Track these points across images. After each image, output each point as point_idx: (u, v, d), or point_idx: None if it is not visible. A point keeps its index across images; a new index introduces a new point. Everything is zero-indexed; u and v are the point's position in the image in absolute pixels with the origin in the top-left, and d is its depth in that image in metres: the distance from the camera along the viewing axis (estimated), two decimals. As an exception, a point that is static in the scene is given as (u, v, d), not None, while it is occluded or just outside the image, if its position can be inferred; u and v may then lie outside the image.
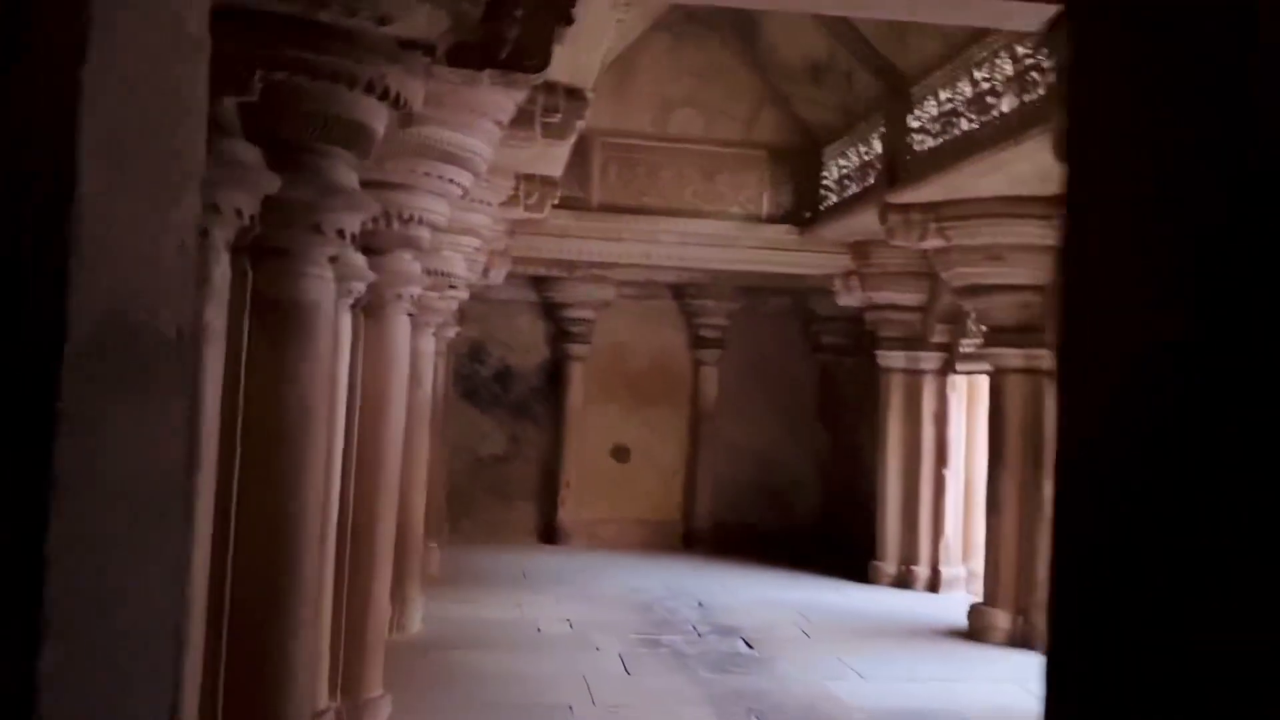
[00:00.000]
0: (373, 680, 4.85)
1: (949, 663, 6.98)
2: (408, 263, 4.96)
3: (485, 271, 8.78)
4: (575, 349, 11.47)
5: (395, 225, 4.79)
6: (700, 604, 8.48)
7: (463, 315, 10.04)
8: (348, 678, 4.77)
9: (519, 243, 9.09)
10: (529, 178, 6.99)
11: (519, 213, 7.38)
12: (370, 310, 4.88)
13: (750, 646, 7.16)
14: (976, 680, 6.58)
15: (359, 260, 4.65)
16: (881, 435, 9.84)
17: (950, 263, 7.61)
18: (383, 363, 4.92)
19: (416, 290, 5.05)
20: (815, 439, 11.86)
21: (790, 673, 6.53)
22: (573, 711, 5.54)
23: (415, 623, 7.14)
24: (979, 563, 9.69)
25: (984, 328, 8.03)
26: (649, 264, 10.03)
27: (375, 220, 4.71)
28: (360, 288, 4.72)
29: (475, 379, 11.56)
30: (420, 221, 4.87)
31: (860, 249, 9.43)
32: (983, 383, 9.56)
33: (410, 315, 6.04)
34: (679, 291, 11.61)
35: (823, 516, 11.63)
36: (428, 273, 6.55)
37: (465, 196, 5.26)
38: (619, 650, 6.85)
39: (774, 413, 11.82)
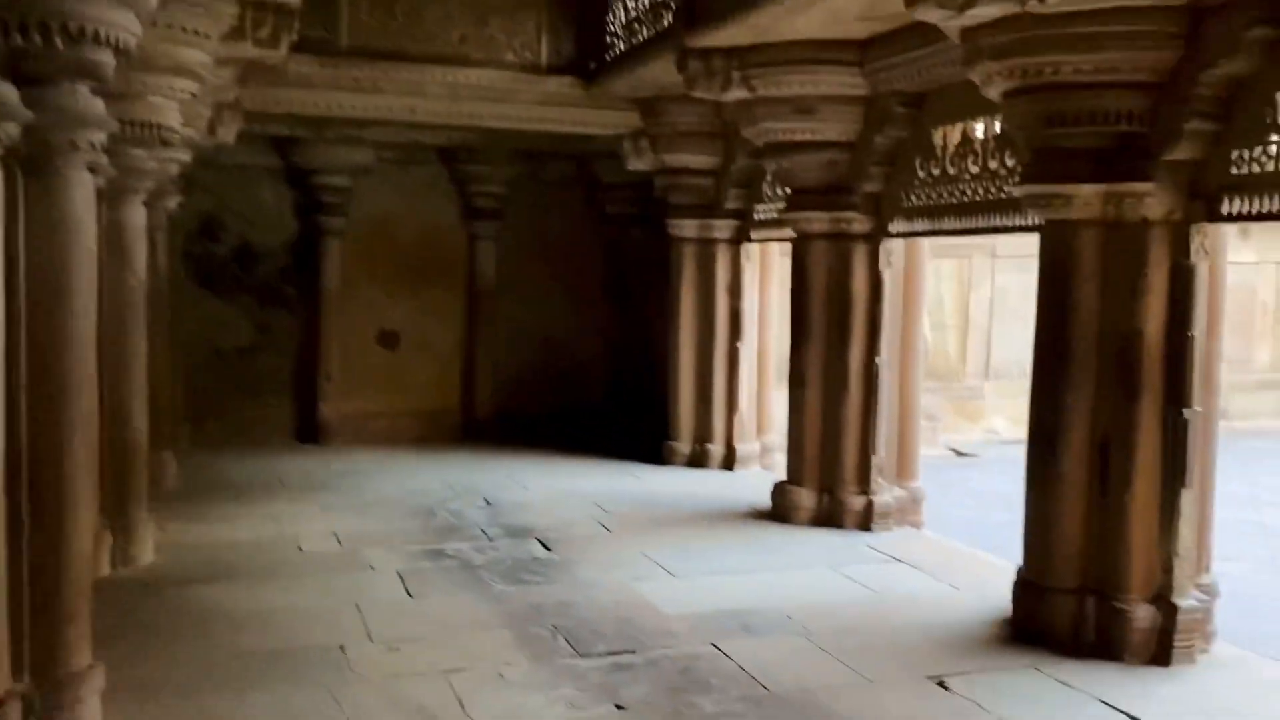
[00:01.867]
0: (75, 648, 3.73)
1: (759, 549, 6.53)
2: (83, 99, 3.65)
3: (211, 128, 7.31)
4: (330, 222, 10.08)
5: (60, 43, 3.47)
6: (488, 503, 7.66)
7: (188, 184, 8.48)
8: (38, 649, 3.64)
9: (253, 94, 7.62)
10: (258, 4, 5.63)
11: (249, 50, 6.00)
12: (33, 164, 3.58)
13: (548, 549, 6.43)
14: (791, 568, 6.14)
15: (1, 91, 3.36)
16: (674, 310, 9.20)
17: (755, 117, 6.88)
18: (57, 235, 3.65)
19: (99, 137, 3.75)
20: (603, 316, 11.10)
21: (594, 577, 5.85)
22: (345, 653, 4.62)
23: (146, 554, 5.94)
24: (773, 437, 9.38)
25: (786, 190, 7.41)
26: (413, 122, 8.76)
27: (25, 32, 3.42)
28: (12, 132, 3.42)
29: (210, 260, 9.97)
30: (98, 40, 3.57)
31: (651, 106, 8.55)
32: (774, 251, 9.07)
33: (101, 175, 4.70)
34: (449, 156, 10.37)
35: (613, 398, 10.98)
36: (127, 123, 5.18)
37: (165, 6, 3.96)
38: (398, 568, 5.94)
39: (559, 290, 10.94)
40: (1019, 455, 11.80)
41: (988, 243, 12.38)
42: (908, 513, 7.17)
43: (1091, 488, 4.92)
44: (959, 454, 12.00)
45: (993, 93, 5.01)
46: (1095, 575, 4.91)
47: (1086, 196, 4.75)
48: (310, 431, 10.13)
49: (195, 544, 6.37)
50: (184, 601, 5.29)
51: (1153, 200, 4.62)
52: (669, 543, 6.61)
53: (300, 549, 6.33)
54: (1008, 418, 12.83)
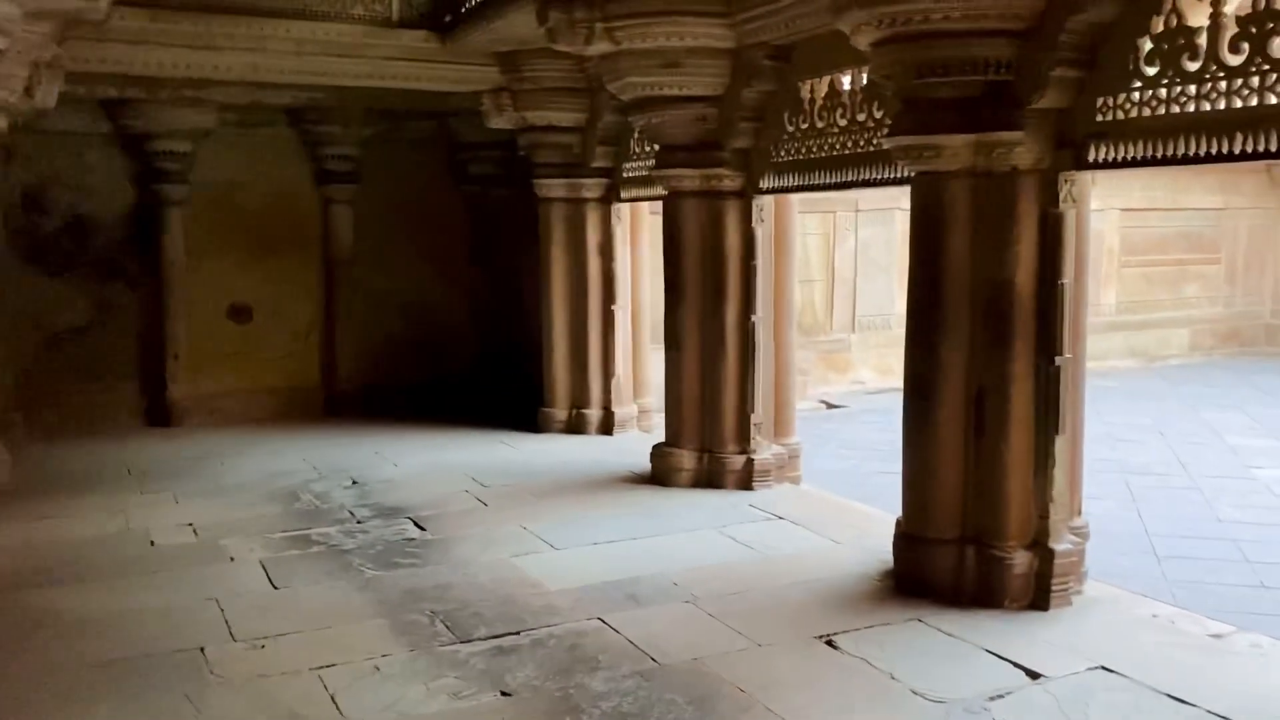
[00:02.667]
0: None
1: (641, 514, 6.41)
2: None
3: (29, 90, 6.65)
4: (171, 190, 9.40)
5: None
6: (355, 482, 7.31)
7: (8, 153, 7.76)
8: None
9: (76, 51, 6.98)
10: (69, -52, 5.10)
11: (65, 2, 5.44)
12: None
13: (421, 528, 6.16)
14: (674, 532, 6.04)
15: None
16: (544, 273, 8.94)
17: (619, 72, 6.65)
18: None
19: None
20: (470, 281, 10.75)
21: (472, 555, 5.63)
22: (205, 655, 4.28)
23: (-26, 559, 5.42)
24: (650, 400, 9.28)
25: (656, 147, 7.23)
26: (257, 80, 8.20)
27: None
28: None
29: (37, 234, 9.17)
30: None
31: (511, 61, 8.22)
32: (644, 211, 8.90)
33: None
34: (298, 116, 9.79)
35: (485, 366, 10.67)
36: (-80, 81, 4.61)
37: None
38: (261, 558, 5.59)
39: (422, 255, 10.52)
40: (886, 405, 12.21)
41: (850, 197, 12.51)
42: (787, 469, 7.17)
43: (968, 438, 4.95)
44: (829, 406, 12.16)
45: (861, 42, 4.92)
46: (974, 525, 4.95)
47: (956, 147, 4.72)
48: (160, 414, 9.51)
49: (33, 545, 5.85)
50: (16, 608, 4.83)
51: (1022, 149, 4.62)
52: (549, 514, 6.42)
53: (152, 543, 5.89)
54: (873, 369, 13.09)
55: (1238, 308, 15.64)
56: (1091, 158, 4.51)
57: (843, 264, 12.77)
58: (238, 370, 9.92)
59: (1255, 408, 11.33)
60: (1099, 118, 4.47)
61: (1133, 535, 6.74)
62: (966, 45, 4.55)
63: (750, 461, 6.93)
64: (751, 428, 6.94)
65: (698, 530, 6.09)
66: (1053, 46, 4.45)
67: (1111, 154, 4.43)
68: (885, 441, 9.98)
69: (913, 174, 4.99)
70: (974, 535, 4.95)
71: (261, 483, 7.31)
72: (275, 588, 5.15)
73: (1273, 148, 3.83)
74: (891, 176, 5.55)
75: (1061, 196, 4.66)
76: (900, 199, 12.93)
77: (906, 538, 5.15)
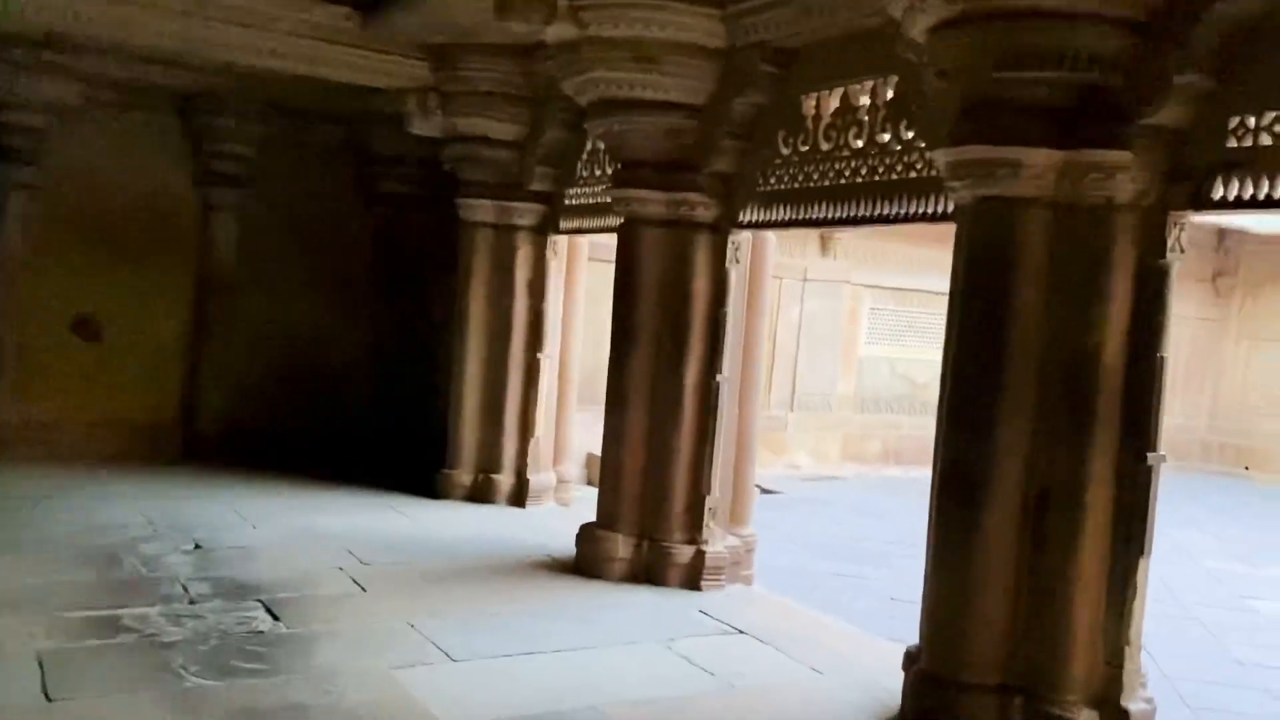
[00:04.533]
0: None
1: (566, 617, 5.03)
2: None
3: None
4: (15, 172, 7.79)
5: None
6: (198, 546, 5.74)
7: None
8: None
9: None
10: None
11: None
12: None
13: (275, 616, 4.65)
14: (608, 644, 4.68)
15: None
16: (461, 309, 7.57)
17: (581, 65, 5.44)
18: None
19: None
20: (372, 315, 9.26)
21: (340, 662, 4.16)
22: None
23: None
24: (569, 467, 7.94)
25: (611, 168, 6.00)
26: (135, 47, 6.75)
27: None
28: None
29: None
30: None
31: (444, 56, 6.94)
32: (582, 247, 7.67)
33: None
34: (186, 103, 8.32)
35: (380, 414, 9.11)
36: None
37: None
38: (40, 649, 4.01)
39: (316, 280, 9.02)
40: (825, 495, 11.08)
41: (799, 264, 11.52)
42: (741, 565, 5.88)
43: (1022, 553, 3.74)
44: (763, 490, 10.94)
45: (919, 26, 3.80)
46: (1023, 669, 3.73)
47: (1040, 167, 3.60)
48: (-27, 442, 7.75)
49: None
50: None
51: (1124, 177, 3.52)
52: (446, 608, 4.99)
53: (-112, 618, 4.26)
54: (810, 453, 12.00)
55: (1177, 420, 15.08)
56: (1216, 194, 3.42)
57: (785, 336, 11.69)
58: (81, 396, 8.24)
59: (1216, 527, 10.52)
60: (1230, 142, 3.40)
61: (1153, 679, 5.60)
62: (1070, 31, 3.45)
63: (701, 555, 5.62)
64: (705, 512, 5.65)
65: (638, 644, 4.73)
66: (1182, 43, 3.38)
67: (1242, 190, 3.35)
68: (831, 536, 8.85)
69: (970, 201, 3.84)
70: (1022, 683, 3.72)
71: (77, 538, 5.69)
72: (49, 699, 3.60)
73: None
74: (923, 211, 4.43)
75: (1170, 244, 3.56)
76: (853, 271, 12.02)
77: (928, 679, 3.88)
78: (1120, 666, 3.61)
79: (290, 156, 8.82)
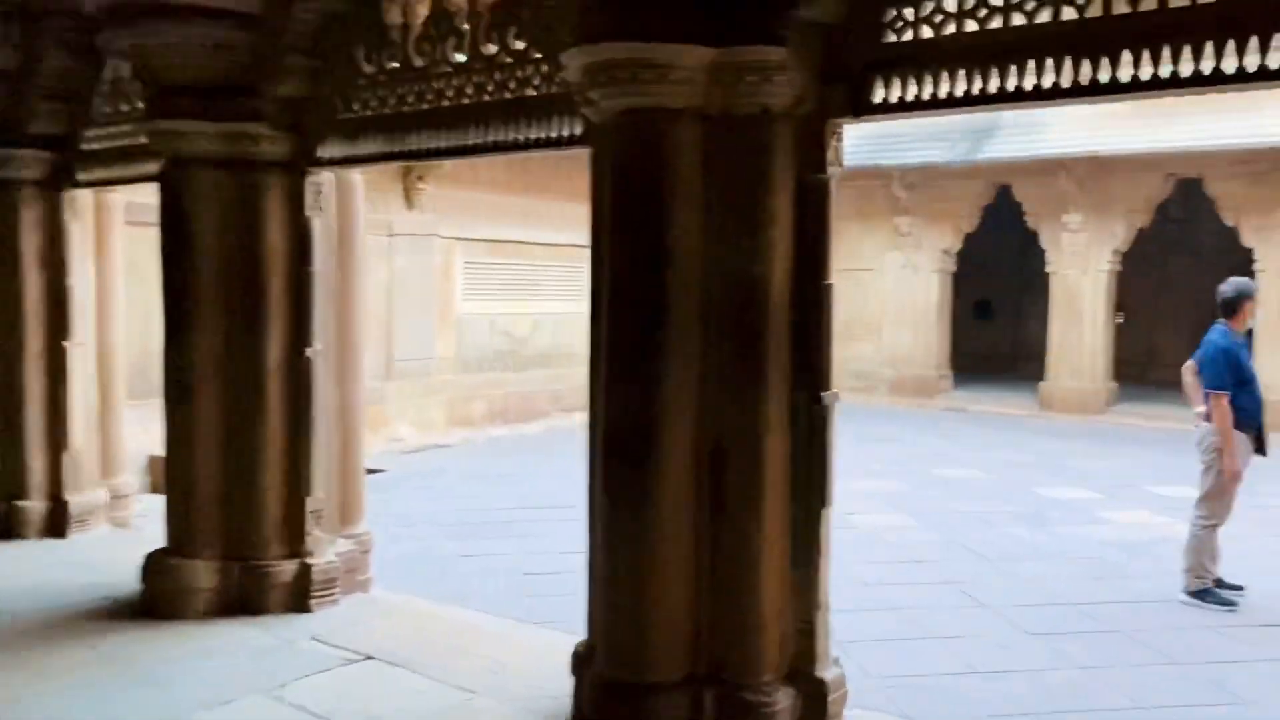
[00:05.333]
0: None
1: (130, 681, 3.84)
2: None
3: None
4: None
5: None
6: None
7: None
8: None
9: None
10: None
11: None
12: None
13: None
14: (193, 709, 3.59)
15: None
16: (-53, 293, 5.78)
17: (82, -46, 4.11)
18: None
19: None
20: None
21: None
22: None
23: None
24: (127, 479, 6.51)
25: (152, 93, 4.69)
26: None
27: None
28: None
29: None
30: None
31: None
32: (118, 206, 6.20)
33: None
34: None
35: None
36: None
37: None
38: None
39: None
40: (435, 465, 10.24)
41: (383, 219, 10.51)
42: (358, 572, 4.96)
43: (700, 520, 3.23)
44: (368, 471, 9.91)
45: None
46: (713, 654, 3.24)
47: (691, 68, 3.04)
48: None
49: None
50: None
51: (782, 79, 3.05)
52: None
53: None
54: (414, 423, 11.13)
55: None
56: (877, 97, 3.06)
57: (375, 298, 10.63)
58: None
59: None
60: (888, 37, 3.05)
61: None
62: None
63: (307, 569, 4.63)
64: (308, 518, 4.65)
65: (237, 701, 3.68)
66: (834, -78, 2.96)
67: (904, 91, 3.02)
68: (449, 512, 8.11)
69: (609, 117, 3.20)
70: (713, 670, 3.23)
71: None
72: None
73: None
74: (548, 135, 3.74)
75: (829, 156, 3.17)
76: (442, 224, 11.20)
77: (608, 686, 3.27)
78: (813, 634, 3.24)
79: None
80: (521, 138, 3.81)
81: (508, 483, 9.05)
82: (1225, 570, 5.70)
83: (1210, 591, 5.60)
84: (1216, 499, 5.65)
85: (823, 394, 3.18)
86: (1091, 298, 13.46)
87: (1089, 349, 13.53)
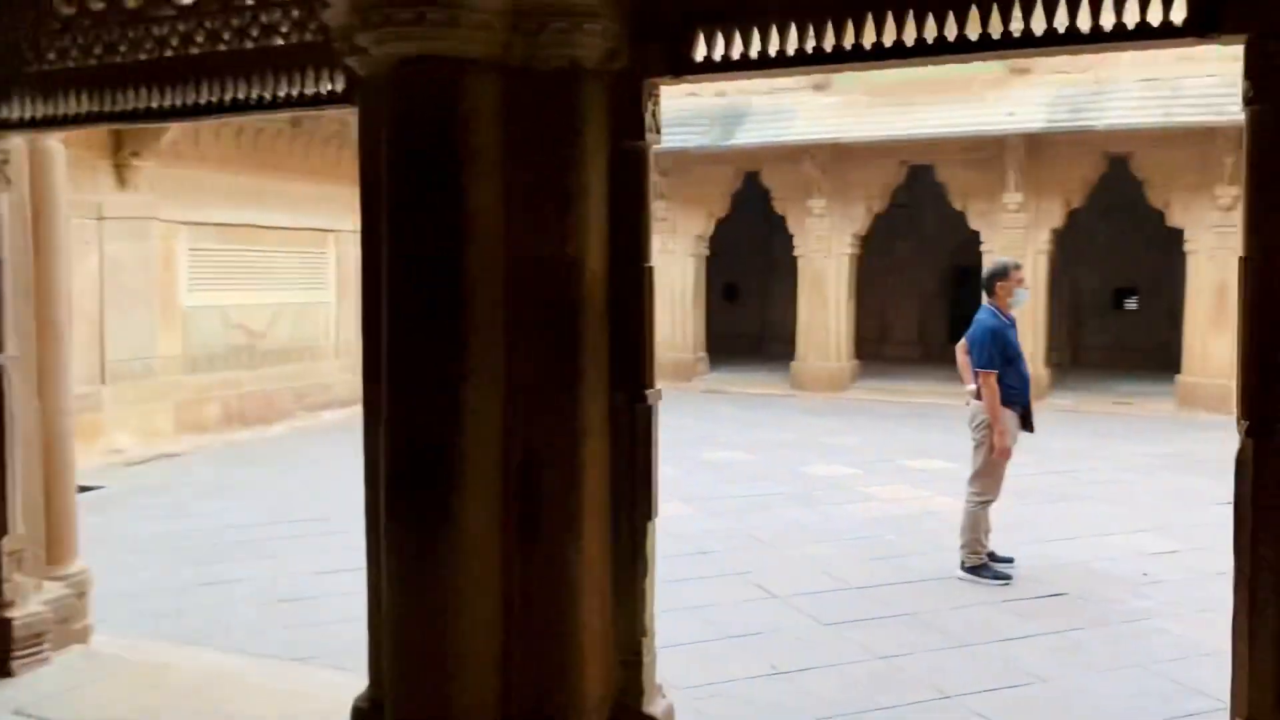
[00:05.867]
0: None
1: None
2: None
3: None
4: None
5: None
6: None
7: None
8: None
9: None
10: None
11: None
12: None
13: None
14: None
15: None
16: None
17: None
18: None
19: None
20: None
21: None
22: None
23: None
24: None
25: None
26: None
27: None
28: None
29: None
30: None
31: None
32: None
33: None
34: None
35: None
36: None
37: None
38: None
39: None
40: (161, 479, 9.11)
41: (91, 200, 9.20)
42: (72, 619, 4.13)
43: (510, 546, 2.77)
44: (81, 489, 8.65)
45: None
46: (527, 698, 2.79)
47: (488, 9, 2.55)
48: None
49: None
50: None
51: (593, 28, 2.63)
52: None
53: None
54: (134, 430, 9.87)
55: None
56: (699, 54, 2.70)
57: (84, 291, 9.31)
58: None
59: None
60: (710, -12, 2.69)
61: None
62: None
63: (6, 624, 3.77)
64: (5, 562, 3.78)
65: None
66: None
67: (729, 48, 2.68)
68: (183, 533, 7.12)
69: (385, 69, 2.66)
70: (529, 715, 2.78)
71: None
72: None
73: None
74: (302, 92, 3.13)
75: (647, 121, 2.78)
76: (162, 206, 9.95)
77: (404, 746, 2.75)
78: (639, 664, 2.86)
79: None
80: (267, 95, 3.18)
81: (250, 494, 8.14)
82: (991, 543, 5.86)
83: (986, 566, 5.73)
84: (988, 475, 5.79)
85: (646, 392, 2.80)
86: (835, 280, 13.97)
87: (834, 329, 14.05)
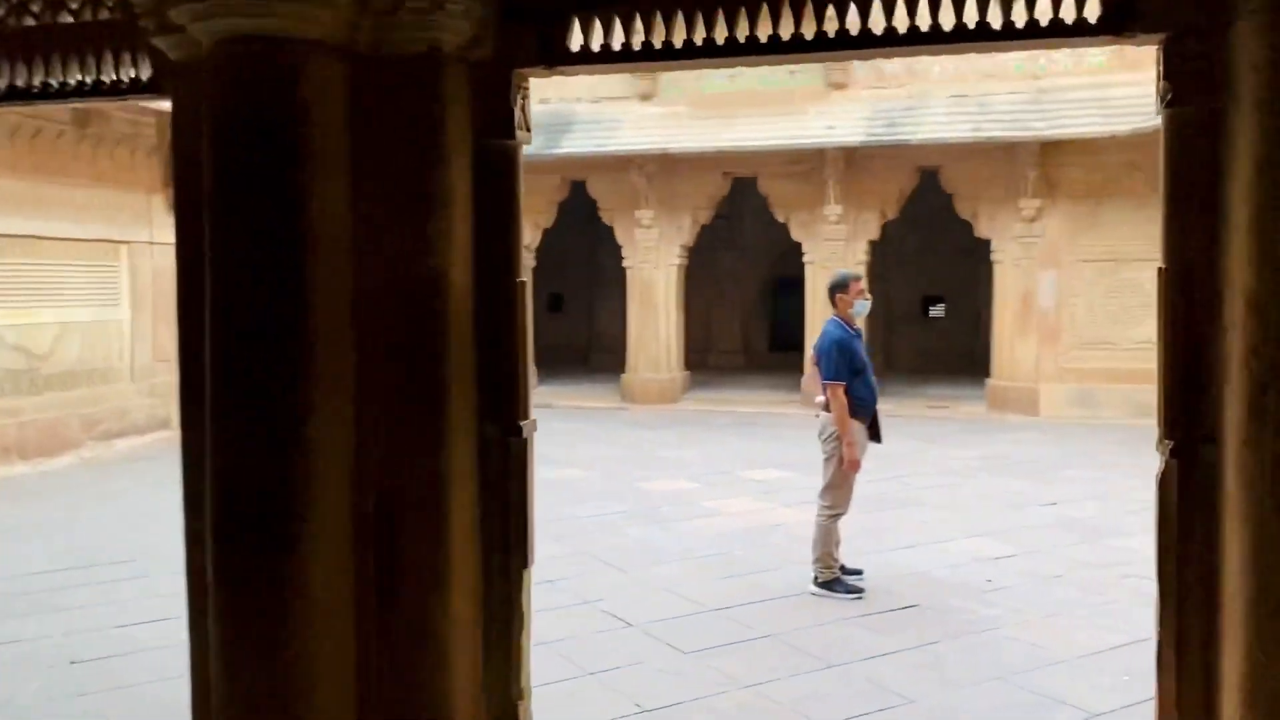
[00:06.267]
0: None
1: None
2: None
3: None
4: None
5: None
6: None
7: None
8: None
9: None
10: None
11: None
12: None
13: None
14: None
15: None
16: None
17: None
18: None
19: None
20: None
21: None
22: None
23: None
24: None
25: None
26: None
27: None
28: None
29: None
30: None
31: None
32: None
33: None
34: None
35: None
36: None
37: None
38: None
39: None
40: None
41: None
42: None
43: (366, 605, 2.38)
44: None
45: None
46: (390, 783, 2.41)
47: (331, -17, 2.17)
48: None
49: None
50: None
51: (456, 9, 2.29)
52: None
53: None
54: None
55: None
56: (574, 44, 2.41)
57: None
58: None
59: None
60: (586, -30, 2.40)
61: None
62: None
63: None
64: None
65: None
66: None
67: (609, 37, 2.40)
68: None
69: (209, 50, 2.23)
70: (392, 806, 2.40)
71: None
72: None
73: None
74: (99, 81, 2.64)
75: (516, 117, 2.46)
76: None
77: None
78: (517, 729, 2.52)
79: None
80: (53, 82, 2.67)
81: (36, 537, 7.23)
82: (840, 554, 5.80)
83: (839, 581, 5.65)
84: (838, 488, 5.72)
85: (520, 423, 2.48)
86: (665, 291, 13.91)
87: (664, 341, 13.98)
